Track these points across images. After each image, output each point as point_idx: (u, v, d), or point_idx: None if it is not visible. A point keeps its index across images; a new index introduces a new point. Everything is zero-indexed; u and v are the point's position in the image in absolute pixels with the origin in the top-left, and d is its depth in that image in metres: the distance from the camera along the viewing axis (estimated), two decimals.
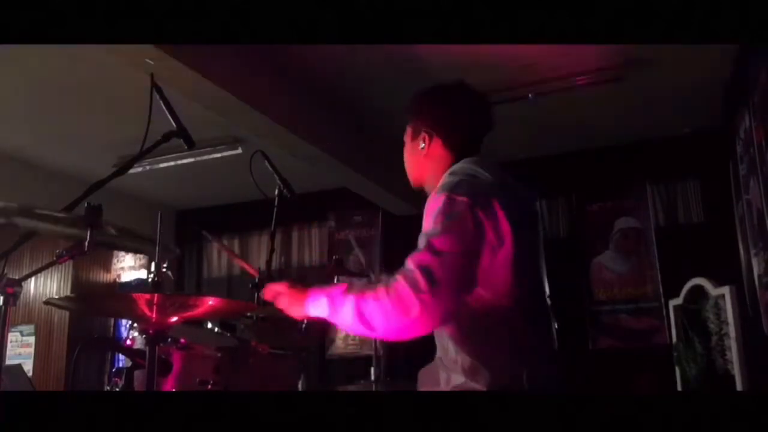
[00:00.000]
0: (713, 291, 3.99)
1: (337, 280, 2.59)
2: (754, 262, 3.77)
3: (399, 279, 1.42)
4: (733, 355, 3.71)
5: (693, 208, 4.98)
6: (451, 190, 1.50)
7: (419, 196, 1.79)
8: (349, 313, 1.45)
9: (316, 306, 1.53)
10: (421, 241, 1.46)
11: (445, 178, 1.61)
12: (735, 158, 4.14)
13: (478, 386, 1.47)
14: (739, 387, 3.61)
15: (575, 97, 4.22)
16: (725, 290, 3.86)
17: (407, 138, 1.79)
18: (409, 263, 1.44)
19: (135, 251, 4.32)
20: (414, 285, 1.39)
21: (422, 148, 1.71)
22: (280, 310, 1.60)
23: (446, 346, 1.55)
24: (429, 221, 1.50)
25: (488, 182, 1.56)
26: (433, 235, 1.45)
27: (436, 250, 1.43)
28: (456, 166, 1.64)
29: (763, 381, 3.54)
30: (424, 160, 1.73)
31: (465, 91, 1.75)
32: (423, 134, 1.71)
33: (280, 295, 1.61)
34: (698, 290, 4.14)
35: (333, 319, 1.51)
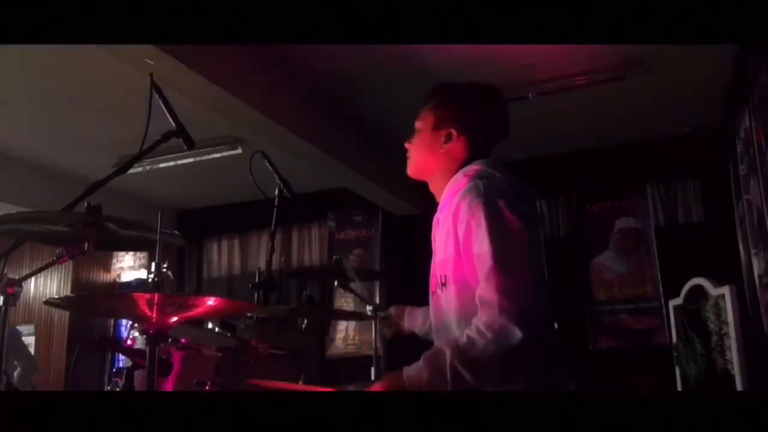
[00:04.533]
0: (713, 291, 3.99)
1: (338, 281, 2.58)
2: (755, 261, 3.77)
3: (483, 315, 1.39)
4: (733, 355, 3.71)
5: (693, 208, 4.98)
6: (486, 194, 1.49)
7: (419, 196, 1.78)
8: (461, 374, 1.39)
9: (416, 379, 1.43)
10: (483, 260, 1.43)
11: (464, 181, 1.58)
12: (735, 158, 4.14)
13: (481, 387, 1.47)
14: (739, 387, 3.61)
15: (575, 97, 4.22)
16: (725, 290, 3.86)
17: (426, 126, 1.72)
18: (486, 293, 1.40)
19: (136, 247, 4.33)
20: (501, 311, 1.37)
21: (444, 142, 1.67)
22: None
23: None
24: (477, 233, 1.46)
25: (504, 183, 1.57)
26: (495, 250, 1.42)
27: (505, 267, 1.40)
28: (469, 168, 1.62)
29: (763, 381, 3.54)
30: (440, 155, 1.68)
31: (499, 98, 1.73)
32: (450, 129, 1.67)
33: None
34: (698, 290, 4.14)
35: (443, 386, 1.42)
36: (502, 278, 1.39)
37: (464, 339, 1.40)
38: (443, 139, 1.68)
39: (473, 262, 1.47)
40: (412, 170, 1.76)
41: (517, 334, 1.34)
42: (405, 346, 2.01)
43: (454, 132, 1.67)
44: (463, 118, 1.68)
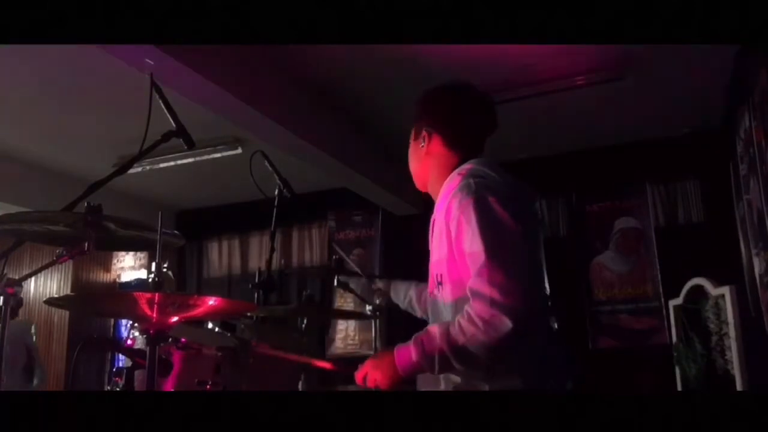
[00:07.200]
0: (713, 291, 3.99)
1: (337, 281, 2.58)
2: (755, 261, 3.77)
3: (474, 305, 1.41)
4: (733, 355, 3.71)
5: (693, 208, 4.98)
6: (477, 192, 1.50)
7: (419, 196, 1.79)
8: (448, 360, 1.42)
9: (405, 360, 1.48)
10: (475, 257, 1.44)
11: (458, 180, 1.59)
12: (735, 158, 4.14)
13: (477, 386, 1.48)
14: (739, 387, 3.61)
15: (575, 97, 4.22)
16: (725, 290, 3.86)
17: (411, 140, 1.80)
18: (478, 285, 1.42)
19: (136, 247, 4.33)
20: (492, 303, 1.38)
21: (422, 146, 1.72)
22: (376, 384, 1.53)
23: None
24: (466, 229, 1.47)
25: (498, 181, 1.57)
26: (486, 246, 1.43)
27: (496, 261, 1.41)
28: (463, 168, 1.63)
29: (763, 381, 3.54)
30: (425, 159, 1.73)
31: (466, 91, 1.75)
32: (423, 133, 1.72)
33: (367, 368, 1.56)
34: (698, 290, 4.14)
35: (430, 370, 1.46)
36: (494, 273, 1.40)
37: (455, 326, 1.42)
38: (420, 144, 1.73)
39: (465, 259, 1.48)
40: (416, 184, 1.82)
41: (507, 324, 1.36)
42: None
43: (426, 134, 1.72)
44: (432, 116, 1.73)
